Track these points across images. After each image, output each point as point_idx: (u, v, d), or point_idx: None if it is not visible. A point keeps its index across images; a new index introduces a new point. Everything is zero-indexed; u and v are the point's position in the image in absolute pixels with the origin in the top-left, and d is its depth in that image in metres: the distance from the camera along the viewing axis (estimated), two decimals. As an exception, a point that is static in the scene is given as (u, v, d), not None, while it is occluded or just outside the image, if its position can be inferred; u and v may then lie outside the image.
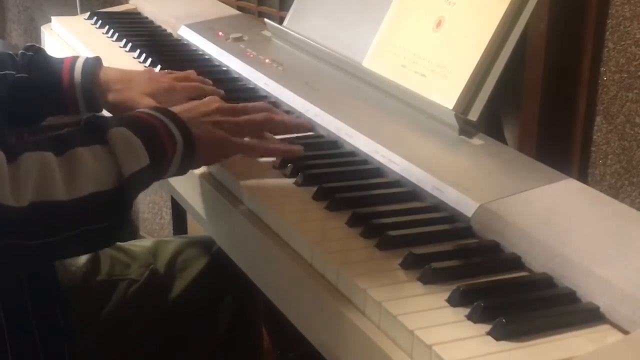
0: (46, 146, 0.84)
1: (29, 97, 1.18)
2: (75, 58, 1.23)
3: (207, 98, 1.05)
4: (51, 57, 1.26)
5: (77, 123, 0.98)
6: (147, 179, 0.91)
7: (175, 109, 0.99)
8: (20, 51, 1.23)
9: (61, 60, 1.22)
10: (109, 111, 1.21)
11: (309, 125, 1.13)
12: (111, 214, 0.87)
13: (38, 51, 1.24)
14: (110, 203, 0.86)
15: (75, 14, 2.30)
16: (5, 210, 0.79)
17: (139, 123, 0.92)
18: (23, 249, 0.82)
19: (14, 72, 1.19)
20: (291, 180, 0.99)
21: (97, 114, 1.20)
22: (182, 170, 0.97)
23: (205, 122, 0.99)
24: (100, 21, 1.73)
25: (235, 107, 1.05)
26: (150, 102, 1.17)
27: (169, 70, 1.29)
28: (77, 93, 1.19)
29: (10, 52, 1.23)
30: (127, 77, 1.22)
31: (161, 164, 0.92)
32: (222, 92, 1.24)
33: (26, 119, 1.22)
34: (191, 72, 1.28)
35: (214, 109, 1.01)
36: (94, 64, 1.22)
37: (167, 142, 0.92)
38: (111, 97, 1.19)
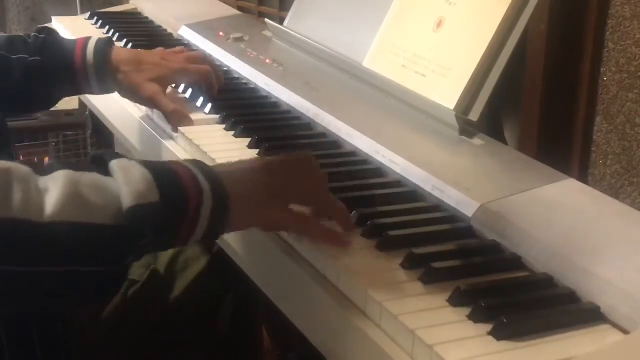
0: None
1: (43, 80, 1.18)
2: (87, 38, 1.22)
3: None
4: (63, 38, 1.26)
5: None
6: (156, 221, 0.73)
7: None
8: (33, 33, 1.22)
9: (74, 41, 1.22)
10: (118, 92, 1.22)
11: None
12: (107, 256, 0.72)
13: (50, 33, 1.24)
14: (108, 242, 0.71)
15: (75, 13, 2.30)
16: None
17: (153, 163, 0.77)
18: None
19: (27, 56, 1.18)
20: (291, 180, 0.99)
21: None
22: (214, 229, 0.78)
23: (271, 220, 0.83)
24: (100, 21, 1.73)
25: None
26: (155, 88, 1.18)
27: (180, 48, 1.30)
28: (90, 73, 1.19)
29: (22, 34, 1.23)
30: (137, 58, 1.22)
31: (176, 206, 0.74)
32: (221, 75, 1.28)
33: (40, 101, 1.23)
34: (201, 54, 1.30)
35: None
36: (106, 43, 1.22)
37: (187, 184, 0.75)
38: (119, 77, 1.20)
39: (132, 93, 1.21)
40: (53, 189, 0.69)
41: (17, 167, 0.70)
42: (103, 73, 1.20)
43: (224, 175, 0.78)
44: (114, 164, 0.74)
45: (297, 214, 0.84)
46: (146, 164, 0.75)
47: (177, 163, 0.78)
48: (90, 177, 0.72)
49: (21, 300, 0.73)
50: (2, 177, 0.68)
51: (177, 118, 1.16)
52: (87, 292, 0.74)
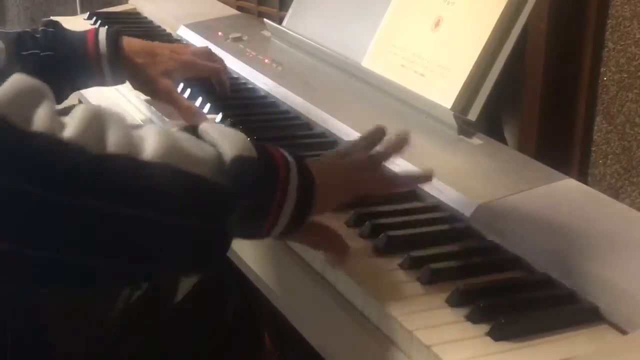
0: None
1: (58, 74, 1.18)
2: (97, 29, 1.22)
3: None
4: (71, 31, 1.25)
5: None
6: (257, 180, 0.67)
7: None
8: (40, 28, 1.22)
9: (84, 33, 1.22)
10: (131, 83, 1.23)
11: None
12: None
13: (57, 26, 1.23)
14: (212, 195, 0.65)
15: (75, 14, 2.30)
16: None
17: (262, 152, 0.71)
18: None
19: (39, 51, 1.18)
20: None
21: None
22: (302, 207, 0.72)
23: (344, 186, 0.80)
24: (99, 21, 1.73)
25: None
26: (170, 85, 1.19)
27: (186, 44, 1.31)
28: (104, 65, 1.19)
29: (29, 30, 1.23)
30: (150, 50, 1.23)
31: (270, 168, 0.69)
32: (230, 74, 1.29)
33: (55, 95, 1.23)
34: (208, 48, 1.32)
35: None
36: (116, 34, 1.22)
37: (277, 157, 0.71)
38: (135, 69, 1.20)
39: (147, 86, 1.22)
40: (150, 135, 0.63)
41: (111, 110, 0.65)
42: (117, 64, 1.19)
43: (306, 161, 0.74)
44: (204, 126, 0.69)
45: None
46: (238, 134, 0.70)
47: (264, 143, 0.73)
48: (183, 133, 0.67)
49: (112, 252, 0.62)
50: (97, 116, 0.63)
51: (191, 114, 1.17)
52: (186, 256, 0.66)
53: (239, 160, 0.65)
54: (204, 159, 0.65)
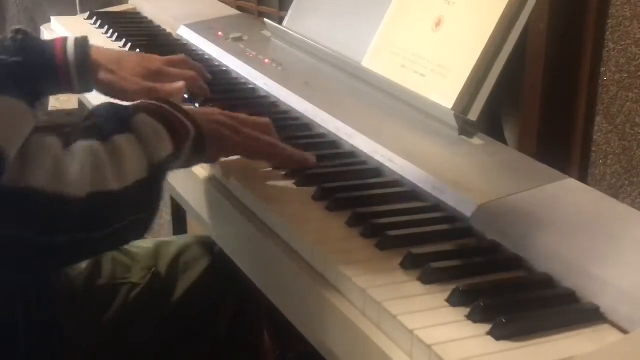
0: (87, 133, 0.82)
1: (25, 80, 1.18)
2: (64, 38, 1.21)
3: (208, 107, 1.05)
4: (40, 39, 1.26)
5: (87, 116, 0.91)
6: (171, 166, 0.90)
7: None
8: (10, 35, 1.22)
9: (52, 41, 1.21)
10: (98, 90, 1.21)
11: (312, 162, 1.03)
12: (150, 203, 0.86)
13: (27, 34, 1.23)
14: (149, 191, 0.85)
15: (75, 13, 2.30)
16: (67, 202, 0.76)
17: (154, 111, 0.90)
18: (77, 244, 0.79)
19: (7, 57, 1.18)
20: (291, 181, 0.99)
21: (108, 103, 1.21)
22: (188, 163, 0.96)
23: (210, 120, 0.97)
24: (99, 21, 1.73)
25: (238, 116, 1.02)
26: (140, 84, 1.17)
27: (168, 57, 1.30)
28: (72, 72, 1.18)
29: None
30: (118, 57, 1.22)
31: (180, 151, 0.90)
32: (209, 76, 1.28)
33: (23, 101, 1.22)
34: (186, 57, 1.29)
35: (217, 113, 1.00)
36: (84, 43, 1.21)
37: (181, 129, 0.91)
38: (102, 76, 1.18)
39: (117, 89, 1.19)
40: (114, 159, 0.82)
41: (92, 145, 0.80)
42: (85, 71, 1.18)
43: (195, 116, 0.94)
44: (138, 123, 0.87)
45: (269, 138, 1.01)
46: (157, 118, 0.88)
47: (163, 108, 0.91)
48: (127, 140, 0.84)
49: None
50: (91, 154, 0.79)
51: (176, 94, 1.17)
52: (138, 234, 0.89)
53: (163, 163, 0.86)
54: (140, 162, 0.84)
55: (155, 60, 1.24)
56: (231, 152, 1.01)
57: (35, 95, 1.23)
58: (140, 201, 0.84)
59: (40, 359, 1.01)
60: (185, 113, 0.93)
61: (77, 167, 0.77)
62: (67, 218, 0.77)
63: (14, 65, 1.17)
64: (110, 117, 0.87)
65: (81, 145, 0.79)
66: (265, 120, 1.04)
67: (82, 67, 1.18)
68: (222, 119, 0.99)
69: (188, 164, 0.96)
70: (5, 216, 0.74)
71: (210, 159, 1.01)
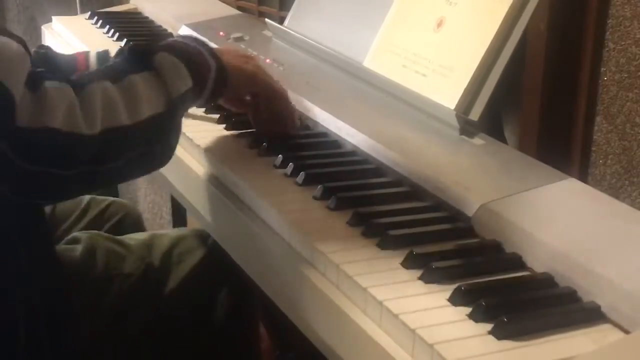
0: (101, 75, 0.90)
1: None
2: (87, 52, 1.26)
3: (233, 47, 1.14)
4: (61, 54, 1.29)
5: (119, 52, 1.04)
6: (190, 100, 0.97)
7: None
8: (34, 49, 1.23)
9: (74, 55, 1.25)
10: None
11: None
12: (166, 135, 0.94)
13: (49, 49, 1.26)
14: (165, 124, 0.93)
15: (75, 13, 2.30)
16: (81, 138, 0.84)
17: (178, 48, 0.97)
18: (94, 174, 0.88)
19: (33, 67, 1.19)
20: (292, 180, 0.99)
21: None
22: (213, 97, 1.02)
23: (236, 57, 1.06)
24: (100, 21, 1.73)
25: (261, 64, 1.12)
26: None
27: None
28: None
29: None
30: None
31: (200, 86, 0.97)
32: None
33: None
34: None
35: (243, 55, 1.09)
36: (105, 56, 1.25)
37: (203, 66, 0.98)
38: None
39: None
40: (128, 97, 0.91)
41: (105, 86, 0.88)
42: None
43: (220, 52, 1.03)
44: (159, 60, 0.94)
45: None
46: (178, 55, 0.96)
47: (188, 45, 0.99)
48: (143, 78, 0.92)
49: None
50: (102, 94, 0.87)
51: None
52: (155, 164, 0.98)
53: (181, 97, 0.94)
54: (156, 97, 0.92)
55: None
56: (258, 89, 1.08)
57: None
58: (156, 133, 0.92)
59: (36, 349, 1.01)
60: (209, 49, 1.00)
61: (89, 108, 0.85)
62: (84, 153, 0.86)
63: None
64: (133, 56, 0.95)
65: (91, 87, 0.87)
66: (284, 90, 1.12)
67: None
68: (246, 59, 1.08)
69: (214, 98, 1.03)
70: (27, 153, 0.83)
71: (234, 94, 1.09)
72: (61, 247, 1.18)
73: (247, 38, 1.51)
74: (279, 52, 1.43)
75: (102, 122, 0.86)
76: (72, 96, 0.85)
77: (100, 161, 0.88)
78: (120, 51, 1.02)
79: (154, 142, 0.92)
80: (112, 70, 0.92)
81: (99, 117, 0.86)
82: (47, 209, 1.30)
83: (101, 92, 0.87)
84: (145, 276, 1.20)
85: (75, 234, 1.25)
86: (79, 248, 1.18)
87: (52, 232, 1.10)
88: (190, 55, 0.97)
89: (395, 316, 0.71)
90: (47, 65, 1.20)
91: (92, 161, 0.87)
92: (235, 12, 1.77)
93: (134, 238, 1.26)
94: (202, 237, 1.26)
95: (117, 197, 1.67)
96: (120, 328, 1.17)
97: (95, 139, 0.86)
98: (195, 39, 1.02)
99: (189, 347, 1.22)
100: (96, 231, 1.27)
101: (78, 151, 0.86)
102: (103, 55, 1.25)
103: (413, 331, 0.69)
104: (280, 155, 1.03)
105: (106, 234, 1.26)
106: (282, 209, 0.91)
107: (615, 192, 1.16)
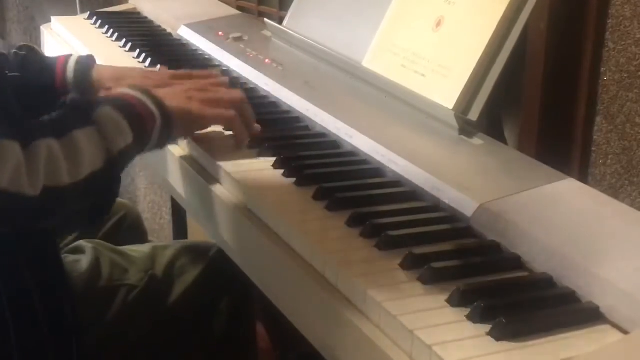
0: (46, 130, 0.89)
1: (23, 96, 1.18)
2: (68, 56, 1.23)
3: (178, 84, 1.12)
4: (44, 56, 1.27)
5: (59, 106, 1.02)
6: (132, 154, 0.96)
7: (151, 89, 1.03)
8: (13, 50, 1.22)
9: (54, 59, 1.22)
10: None
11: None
12: (105, 191, 0.94)
13: (31, 50, 1.24)
14: (104, 180, 0.92)
15: (75, 13, 2.30)
16: (23, 200, 0.84)
17: (120, 102, 0.96)
18: (40, 228, 0.91)
19: (7, 72, 1.18)
20: (291, 180, 0.99)
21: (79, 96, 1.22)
22: (161, 144, 1.02)
23: (180, 97, 1.04)
24: (100, 21, 1.73)
25: (207, 83, 1.12)
26: None
27: (173, 72, 1.29)
28: (70, 91, 1.19)
29: (3, 51, 1.23)
30: (119, 74, 1.22)
31: (143, 139, 0.97)
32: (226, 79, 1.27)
33: (18, 117, 1.23)
34: (189, 72, 1.27)
35: (187, 89, 1.07)
36: (87, 62, 1.22)
37: (147, 118, 0.97)
38: (102, 94, 1.19)
39: None
40: (70, 155, 0.89)
41: (49, 144, 0.87)
42: (83, 91, 1.19)
43: (164, 98, 1.01)
44: (100, 115, 0.93)
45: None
46: (120, 109, 0.95)
47: (132, 96, 0.98)
48: (85, 134, 0.90)
49: None
50: (47, 153, 0.86)
51: None
52: (94, 219, 1.01)
53: (121, 152, 0.93)
54: (97, 153, 0.91)
55: (160, 75, 1.23)
56: (201, 127, 1.08)
57: (35, 111, 1.23)
58: (94, 190, 0.91)
59: (41, 359, 1.01)
60: (153, 97, 0.99)
61: (34, 168, 0.84)
62: (21, 214, 0.86)
63: (11, 80, 1.17)
64: (76, 110, 0.96)
65: (39, 145, 0.86)
66: (238, 94, 1.11)
67: (80, 89, 1.19)
68: (193, 93, 1.06)
69: (162, 145, 1.03)
70: None
71: (184, 135, 1.08)
72: (68, 259, 1.19)
73: (246, 38, 1.51)
74: (278, 52, 1.43)
75: (43, 182, 0.85)
76: (20, 154, 0.84)
77: (36, 220, 0.88)
78: (64, 103, 1.03)
79: (91, 198, 0.92)
80: (58, 123, 0.91)
81: (41, 178, 0.85)
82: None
83: (46, 150, 0.86)
84: (149, 287, 1.20)
85: (79, 242, 1.25)
86: (84, 259, 1.19)
87: (58, 250, 1.10)
88: (133, 107, 0.96)
89: (394, 317, 0.71)
90: (23, 70, 1.19)
91: (27, 220, 0.88)
92: (234, 12, 1.77)
93: (136, 250, 1.27)
94: (204, 249, 1.28)
95: (116, 197, 1.66)
96: (124, 338, 1.17)
97: (34, 200, 0.84)
98: (140, 88, 1.01)
99: (191, 355, 1.23)
100: (100, 241, 1.28)
101: (16, 212, 0.85)
102: (84, 62, 1.22)
103: (411, 332, 0.69)
104: (279, 156, 1.03)
105: (110, 245, 1.27)
106: (281, 209, 0.91)
107: (615, 192, 1.15)
